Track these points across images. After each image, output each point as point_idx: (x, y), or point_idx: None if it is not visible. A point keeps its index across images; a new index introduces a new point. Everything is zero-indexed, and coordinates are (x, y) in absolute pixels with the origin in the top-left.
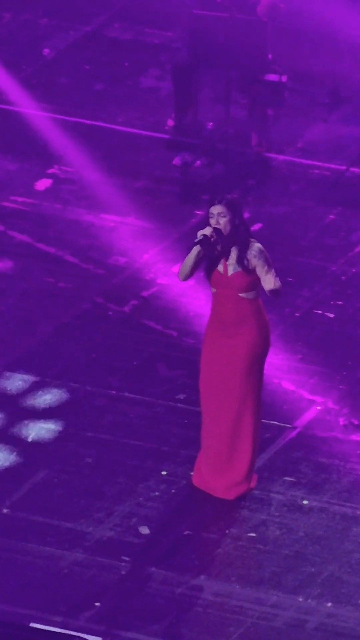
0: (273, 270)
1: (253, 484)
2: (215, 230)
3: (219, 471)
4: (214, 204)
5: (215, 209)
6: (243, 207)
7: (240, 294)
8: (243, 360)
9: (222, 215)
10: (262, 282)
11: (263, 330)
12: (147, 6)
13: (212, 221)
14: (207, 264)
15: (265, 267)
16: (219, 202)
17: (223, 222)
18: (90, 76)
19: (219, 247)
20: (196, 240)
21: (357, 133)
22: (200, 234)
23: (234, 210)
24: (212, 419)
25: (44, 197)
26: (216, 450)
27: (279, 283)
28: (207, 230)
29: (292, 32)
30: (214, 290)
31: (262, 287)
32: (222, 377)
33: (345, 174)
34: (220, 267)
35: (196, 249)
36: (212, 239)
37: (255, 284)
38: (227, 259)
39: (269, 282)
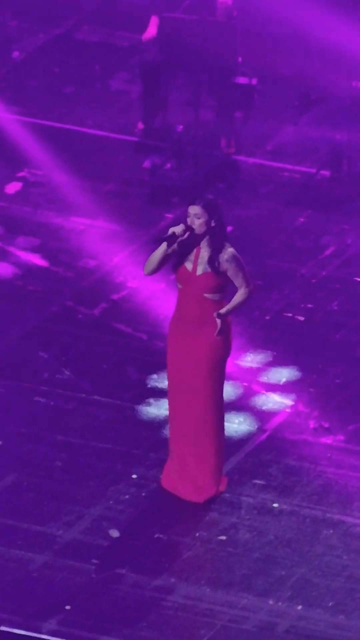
0: (247, 279)
1: (223, 487)
2: (188, 229)
3: (184, 474)
4: (193, 204)
5: (193, 209)
6: (222, 212)
7: (206, 295)
8: (205, 363)
9: (198, 216)
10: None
11: (225, 331)
12: (116, 9)
13: (188, 220)
14: (175, 260)
15: (240, 275)
16: (198, 203)
17: (198, 223)
18: (59, 79)
19: (188, 245)
20: (164, 236)
21: (327, 136)
22: (170, 230)
23: (210, 212)
24: (177, 420)
25: (13, 200)
26: (180, 452)
27: (245, 297)
28: (178, 228)
29: (261, 35)
30: (179, 286)
31: (228, 291)
32: (184, 377)
33: (315, 177)
34: (189, 265)
35: (163, 245)
36: (181, 237)
37: (222, 286)
38: (197, 258)
39: (236, 295)
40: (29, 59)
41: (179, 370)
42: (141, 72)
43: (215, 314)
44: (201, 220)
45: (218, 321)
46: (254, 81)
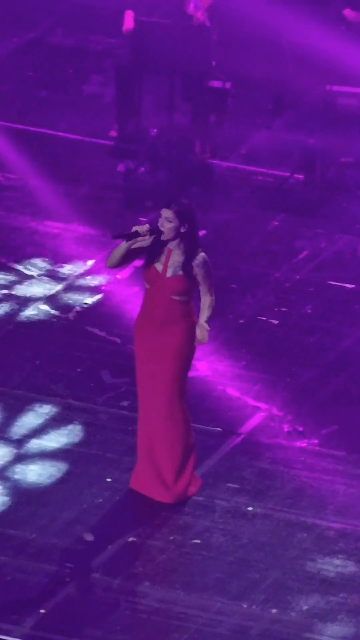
0: (212, 286)
1: (194, 489)
2: (153, 231)
3: (152, 473)
4: (168, 207)
5: (165, 212)
6: (196, 219)
7: (174, 297)
8: (169, 362)
9: (169, 220)
10: (201, 294)
11: (190, 333)
12: (90, 12)
13: (159, 221)
14: (145, 259)
15: (208, 282)
16: (172, 208)
17: (167, 226)
18: (33, 83)
19: (156, 247)
20: (126, 233)
21: (301, 140)
22: (134, 228)
23: (182, 219)
24: (143, 419)
25: None
26: (147, 451)
27: (210, 310)
28: (142, 228)
29: (235, 39)
30: (147, 286)
31: (195, 293)
32: (149, 377)
33: (289, 181)
34: (159, 266)
35: (129, 244)
36: (144, 236)
37: (190, 290)
38: (168, 260)
39: (204, 302)
40: (2, 63)
41: (145, 369)
42: (115, 75)
43: (199, 329)
44: (171, 225)
45: (206, 332)
46: (228, 85)
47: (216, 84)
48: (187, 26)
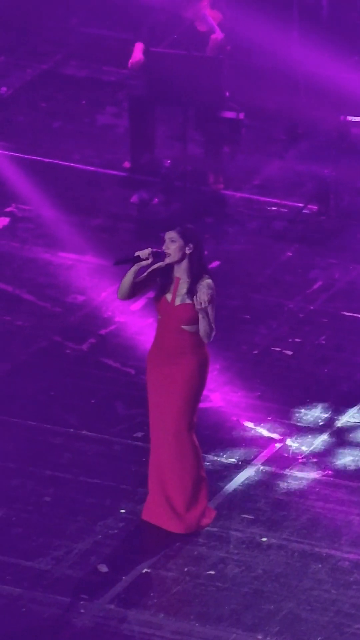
0: (211, 313)
1: (208, 520)
2: (155, 254)
3: (161, 502)
4: (171, 229)
5: (168, 234)
6: (201, 241)
7: (183, 326)
8: (179, 394)
9: (173, 240)
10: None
11: (201, 365)
12: (103, 44)
13: (164, 246)
14: (157, 290)
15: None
16: (174, 229)
17: (172, 247)
18: (47, 114)
19: (165, 274)
20: (128, 258)
21: (314, 170)
22: (136, 253)
23: (186, 238)
24: (154, 450)
25: (1, 235)
26: (156, 480)
27: (207, 332)
28: (144, 252)
29: (248, 69)
30: (159, 317)
31: None
32: (160, 407)
33: (303, 211)
34: (168, 296)
35: (133, 268)
36: (145, 261)
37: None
38: (177, 289)
39: (202, 327)
40: (16, 94)
41: (155, 400)
42: (129, 106)
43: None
44: (175, 245)
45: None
46: (241, 115)
47: (229, 114)
48: (199, 57)
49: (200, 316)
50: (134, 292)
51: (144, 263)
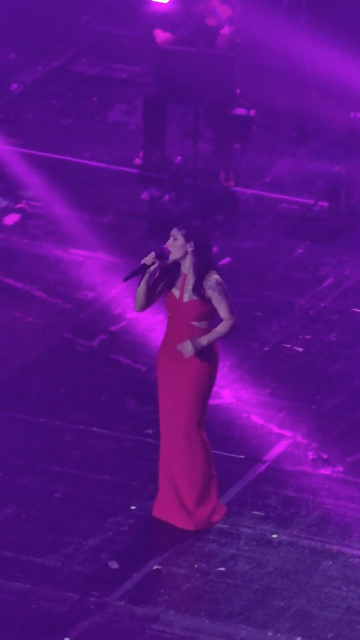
0: (229, 309)
1: (218, 517)
2: (158, 255)
3: (171, 499)
4: (177, 226)
5: (172, 232)
6: (208, 238)
7: (193, 322)
8: (189, 391)
9: (175, 238)
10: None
11: (211, 361)
12: (113, 41)
13: (168, 242)
14: (164, 287)
15: (223, 304)
16: (179, 227)
17: (174, 245)
18: (57, 111)
19: (169, 272)
20: (135, 270)
21: (325, 167)
22: (142, 261)
23: (189, 237)
24: (164, 446)
25: (12, 232)
26: (166, 476)
27: (226, 329)
28: (148, 259)
29: (259, 67)
30: (169, 314)
31: (216, 319)
32: (170, 404)
33: (313, 208)
34: (176, 292)
35: (145, 278)
36: (152, 265)
37: (209, 314)
38: (184, 285)
39: (221, 325)
40: (27, 91)
41: (164, 397)
42: (144, 104)
43: (190, 340)
44: (177, 243)
45: (192, 345)
46: (252, 113)
47: (240, 111)
48: (210, 54)
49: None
50: (149, 300)
51: (152, 268)
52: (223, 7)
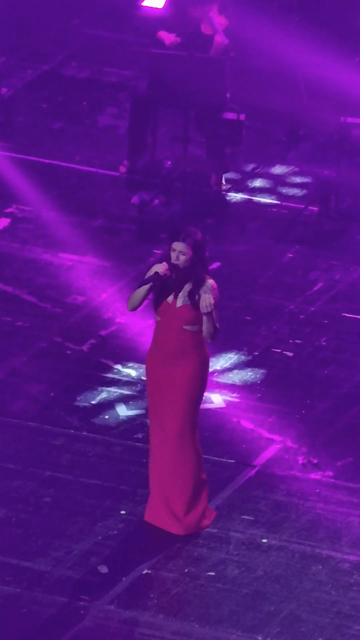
0: (215, 314)
1: (207, 521)
2: (171, 267)
3: (161, 504)
4: (178, 240)
5: (178, 246)
6: (205, 242)
7: (185, 326)
8: (181, 394)
9: (183, 253)
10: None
11: (202, 365)
12: (104, 45)
13: (173, 255)
14: (156, 294)
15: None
16: (183, 240)
17: (182, 259)
18: (47, 115)
19: (172, 281)
20: (147, 277)
21: (315, 171)
22: (153, 269)
23: (195, 250)
24: (155, 450)
25: (1, 236)
26: (158, 482)
27: (211, 332)
28: (161, 268)
29: (250, 71)
30: (158, 318)
31: None
32: (159, 408)
33: (304, 212)
34: (169, 298)
35: (148, 285)
36: (165, 276)
37: (201, 319)
38: (178, 291)
39: (206, 328)
40: (17, 95)
41: (155, 401)
42: (131, 107)
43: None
44: (185, 257)
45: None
46: (242, 117)
47: (231, 115)
48: (201, 58)
49: (204, 318)
50: (143, 302)
51: (163, 277)
52: (220, 19)
